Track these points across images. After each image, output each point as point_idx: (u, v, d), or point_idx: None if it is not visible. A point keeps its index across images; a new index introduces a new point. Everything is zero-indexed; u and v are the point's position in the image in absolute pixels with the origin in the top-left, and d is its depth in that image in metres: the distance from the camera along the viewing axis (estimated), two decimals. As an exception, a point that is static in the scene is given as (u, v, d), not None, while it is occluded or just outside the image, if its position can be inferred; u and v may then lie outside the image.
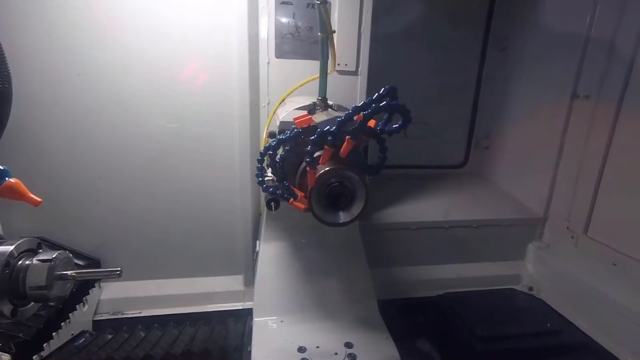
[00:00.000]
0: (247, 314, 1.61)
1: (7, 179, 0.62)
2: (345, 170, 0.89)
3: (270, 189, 1.09)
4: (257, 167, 1.11)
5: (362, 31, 1.54)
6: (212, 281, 1.79)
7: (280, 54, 1.54)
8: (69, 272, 0.61)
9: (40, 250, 0.63)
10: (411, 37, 2.17)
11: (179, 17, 1.48)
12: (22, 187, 0.62)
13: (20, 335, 1.15)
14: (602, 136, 1.61)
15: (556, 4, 1.87)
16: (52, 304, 1.28)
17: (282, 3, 1.49)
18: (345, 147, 0.88)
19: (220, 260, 1.80)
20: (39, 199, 0.63)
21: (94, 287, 1.61)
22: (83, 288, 1.53)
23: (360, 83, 1.61)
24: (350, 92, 1.62)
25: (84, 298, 1.53)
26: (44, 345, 1.24)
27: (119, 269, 0.69)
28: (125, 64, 1.48)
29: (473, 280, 1.90)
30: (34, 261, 0.59)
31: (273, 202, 1.22)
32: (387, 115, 0.91)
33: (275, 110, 1.44)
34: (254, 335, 1.24)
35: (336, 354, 1.17)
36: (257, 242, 1.54)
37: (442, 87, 2.28)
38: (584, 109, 1.70)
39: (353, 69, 1.58)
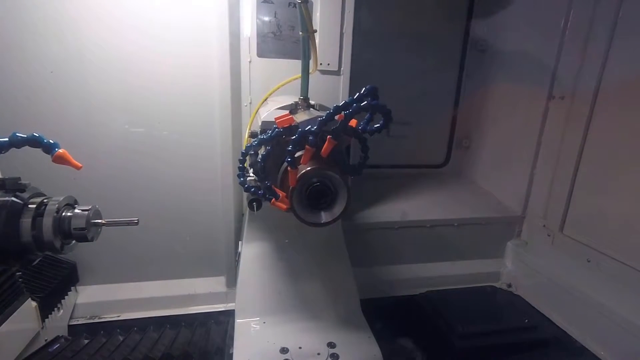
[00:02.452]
0: (229, 315, 1.59)
1: (56, 149, 0.76)
2: (326, 170, 0.88)
3: (252, 189, 1.08)
4: (239, 167, 1.10)
5: (344, 31, 1.54)
6: (194, 283, 1.76)
7: (261, 53, 1.52)
8: (99, 220, 0.83)
9: (77, 205, 0.84)
10: (393, 38, 2.19)
11: (158, 15, 1.45)
12: (68, 155, 0.78)
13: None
14: (576, 136, 1.66)
15: (531, 8, 1.92)
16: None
17: (264, 2, 1.47)
18: (326, 147, 0.87)
19: (202, 262, 1.77)
20: (80, 165, 0.78)
21: (70, 290, 1.56)
22: (60, 291, 1.49)
23: (342, 83, 1.61)
24: (332, 91, 1.62)
25: (59, 302, 1.48)
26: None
27: (137, 219, 0.87)
28: (102, 63, 1.44)
29: (454, 278, 1.93)
30: (76, 210, 0.81)
31: (255, 202, 1.21)
32: (368, 115, 0.91)
33: (257, 109, 1.43)
34: (235, 337, 1.23)
35: (319, 354, 1.17)
36: (240, 242, 1.52)
37: (423, 87, 2.30)
38: (560, 109, 1.75)
39: (335, 68, 1.58)
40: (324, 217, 0.93)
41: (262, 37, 1.51)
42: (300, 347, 1.20)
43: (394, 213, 1.93)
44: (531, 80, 1.90)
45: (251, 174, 1.11)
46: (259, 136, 0.98)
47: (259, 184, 1.05)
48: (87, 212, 0.81)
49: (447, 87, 2.37)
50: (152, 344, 1.42)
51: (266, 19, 1.49)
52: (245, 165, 1.09)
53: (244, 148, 1.06)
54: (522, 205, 1.97)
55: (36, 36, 1.37)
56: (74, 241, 0.83)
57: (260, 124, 1.16)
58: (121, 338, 1.46)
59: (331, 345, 1.21)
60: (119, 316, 1.63)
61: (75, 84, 1.44)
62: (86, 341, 1.42)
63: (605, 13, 1.53)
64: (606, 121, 1.57)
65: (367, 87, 0.83)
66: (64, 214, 0.79)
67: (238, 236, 1.65)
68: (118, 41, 1.44)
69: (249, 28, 1.49)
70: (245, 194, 1.42)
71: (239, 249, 1.50)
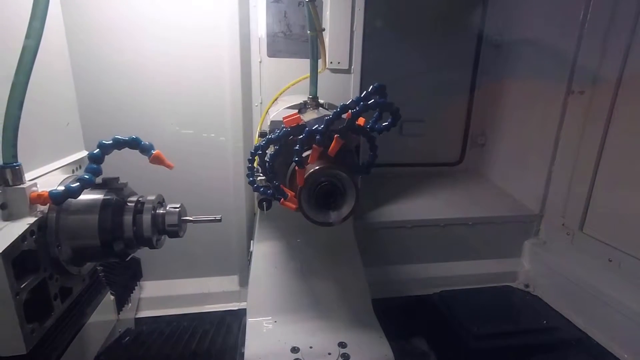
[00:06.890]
0: (242, 314, 1.61)
1: (153, 151, 0.82)
2: (334, 169, 0.88)
3: (261, 189, 1.08)
4: (248, 167, 1.10)
5: (354, 29, 1.53)
6: (208, 282, 1.79)
7: (272, 52, 1.53)
8: (187, 217, 0.88)
9: (164, 203, 0.87)
10: (406, 34, 2.16)
11: (170, 18, 1.47)
12: (162, 156, 0.83)
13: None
14: (597, 132, 1.61)
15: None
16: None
17: (273, 2, 1.48)
18: (333, 146, 0.87)
19: (215, 261, 1.80)
20: (172, 164, 0.84)
21: (137, 285, 1.60)
22: (129, 286, 1.53)
23: (353, 81, 1.60)
24: (343, 90, 1.61)
25: (129, 296, 1.51)
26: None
27: (220, 216, 0.92)
28: (116, 66, 1.48)
29: (469, 278, 1.89)
30: (168, 208, 0.85)
31: (265, 202, 1.21)
32: (377, 113, 0.90)
33: (268, 109, 1.44)
34: (247, 336, 1.24)
35: (329, 354, 1.17)
36: (252, 242, 1.53)
37: (437, 84, 2.27)
38: (579, 104, 1.70)
39: (346, 67, 1.58)
40: (333, 216, 0.92)
41: (272, 37, 1.51)
42: (311, 347, 1.19)
43: (407, 212, 1.91)
44: (549, 74, 1.85)
45: (261, 174, 1.11)
46: (268, 136, 0.98)
47: (268, 183, 1.05)
48: (178, 210, 0.85)
49: (462, 83, 2.33)
50: (185, 340, 1.47)
51: (276, 18, 1.50)
52: (254, 165, 1.10)
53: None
54: (540, 203, 1.92)
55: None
56: (164, 237, 0.87)
57: (269, 123, 1.17)
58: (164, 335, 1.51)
59: (342, 345, 1.21)
60: (136, 314, 1.67)
61: (91, 87, 1.47)
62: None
63: (627, 3, 1.47)
64: (628, 116, 1.51)
65: (374, 85, 0.82)
66: (158, 211, 0.84)
67: (250, 235, 1.66)
68: (130, 44, 1.47)
69: (259, 28, 1.49)
70: (256, 194, 1.43)
71: (251, 248, 1.51)
